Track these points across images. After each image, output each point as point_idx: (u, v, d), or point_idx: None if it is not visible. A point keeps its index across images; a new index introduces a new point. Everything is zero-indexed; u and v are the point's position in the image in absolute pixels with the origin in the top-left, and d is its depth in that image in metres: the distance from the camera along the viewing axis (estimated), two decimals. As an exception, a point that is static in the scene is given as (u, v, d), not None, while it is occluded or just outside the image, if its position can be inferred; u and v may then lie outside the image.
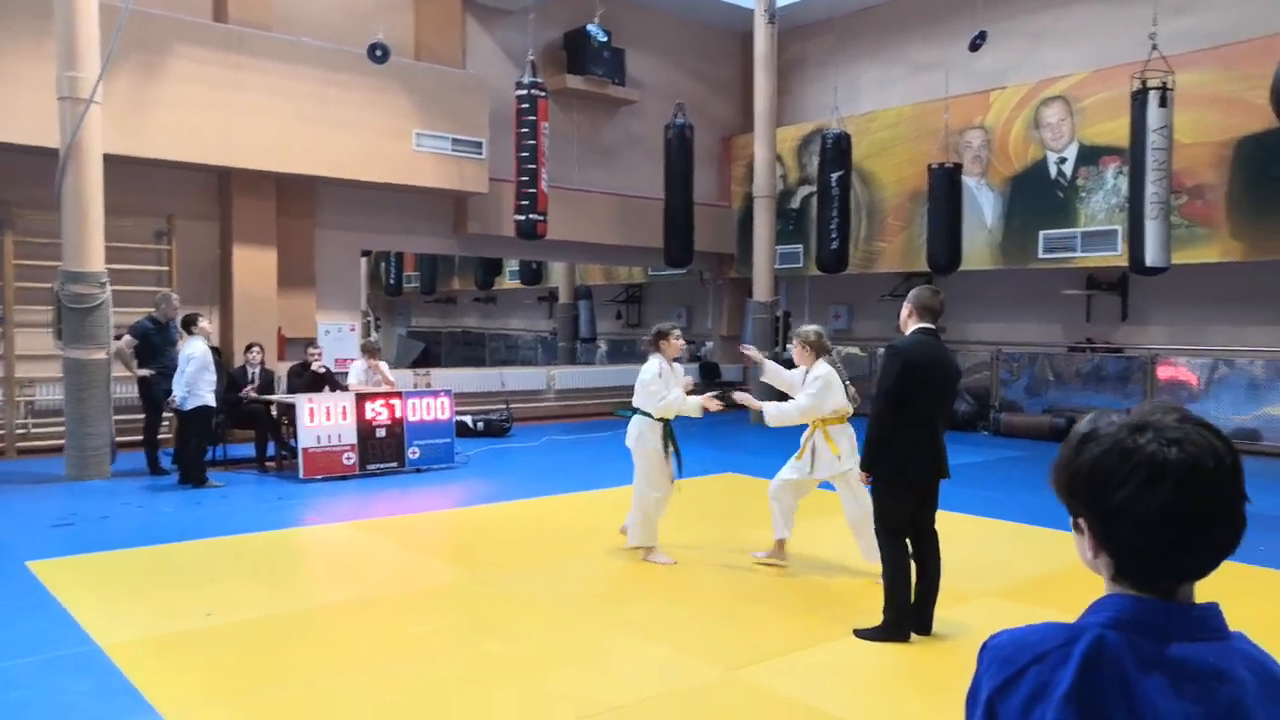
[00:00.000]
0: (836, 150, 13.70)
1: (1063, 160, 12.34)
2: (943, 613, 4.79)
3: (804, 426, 5.87)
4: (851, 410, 5.88)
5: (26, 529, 6.85)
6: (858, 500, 5.57)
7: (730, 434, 12.93)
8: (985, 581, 5.70)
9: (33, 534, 6.71)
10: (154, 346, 9.15)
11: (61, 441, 9.03)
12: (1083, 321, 13.16)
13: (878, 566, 4.79)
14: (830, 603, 5.31)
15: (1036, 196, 12.56)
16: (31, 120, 9.29)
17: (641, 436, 6.07)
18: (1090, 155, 12.04)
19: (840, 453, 5.68)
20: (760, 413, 6.02)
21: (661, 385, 6.00)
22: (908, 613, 4.61)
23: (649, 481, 6.05)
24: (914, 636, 4.63)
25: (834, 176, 13.69)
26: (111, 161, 9.20)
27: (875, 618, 4.77)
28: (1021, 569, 6.11)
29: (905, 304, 4.80)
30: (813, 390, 5.66)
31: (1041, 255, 12.49)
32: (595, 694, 4.00)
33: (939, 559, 4.72)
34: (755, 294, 14.38)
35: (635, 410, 6.14)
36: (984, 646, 1.19)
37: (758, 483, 9.20)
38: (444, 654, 4.47)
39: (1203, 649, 1.08)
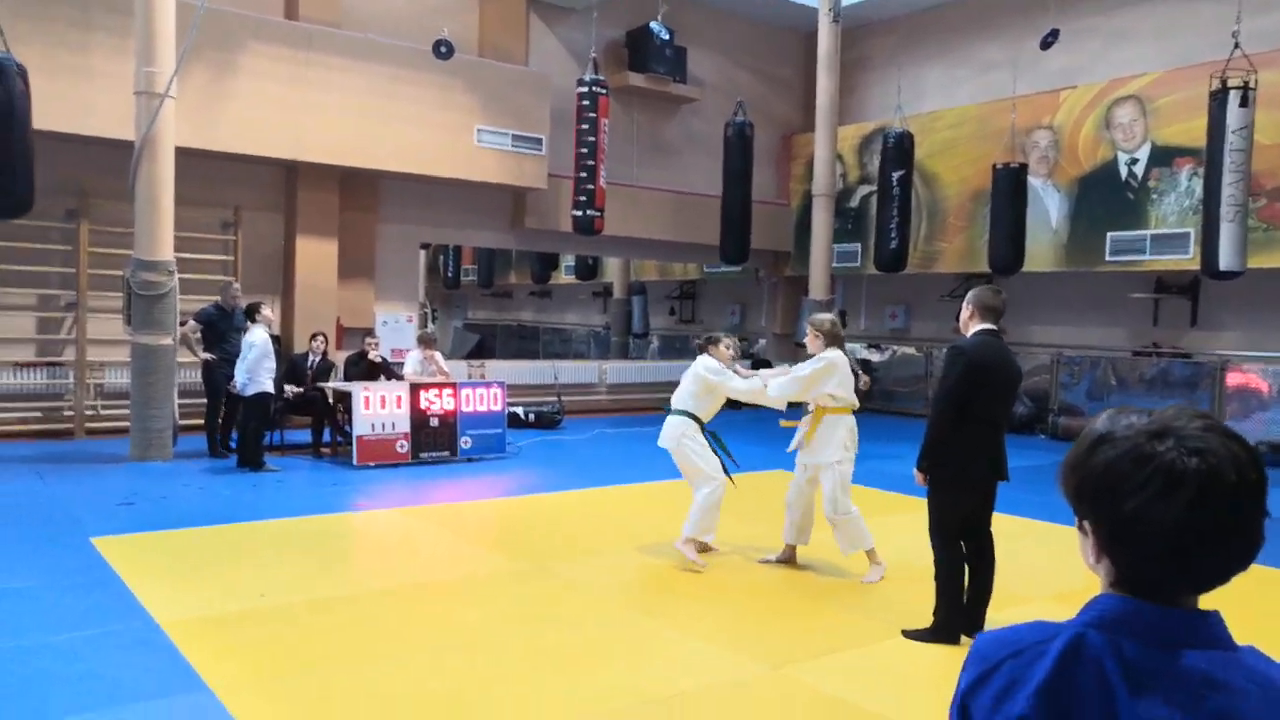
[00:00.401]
0: (899, 149, 13.50)
1: (1134, 161, 11.99)
2: (995, 615, 4.68)
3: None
4: (857, 404, 5.83)
5: (92, 506, 7.07)
6: (829, 495, 5.63)
7: (780, 430, 12.81)
8: (1039, 585, 5.58)
9: (98, 511, 6.93)
10: (218, 332, 9.40)
11: (127, 423, 9.31)
12: (1149, 325, 12.78)
13: (910, 563, 4.69)
14: (880, 603, 5.23)
15: (1105, 198, 12.22)
16: (109, 114, 9.59)
17: (684, 438, 5.94)
18: (1163, 156, 11.68)
19: (830, 444, 5.64)
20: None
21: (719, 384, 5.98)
22: (959, 614, 4.53)
23: (709, 471, 5.90)
24: (964, 639, 4.54)
25: (895, 175, 13.49)
26: (183, 154, 9.45)
27: (925, 619, 4.69)
28: (1076, 574, 5.92)
29: (966, 304, 4.70)
30: (815, 365, 5.63)
31: (1109, 258, 12.16)
32: (642, 685, 3.99)
33: (993, 561, 4.62)
34: (811, 292, 14.25)
35: (673, 410, 6.05)
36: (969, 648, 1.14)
37: (809, 483, 9.11)
38: (494, 642, 4.50)
39: (1196, 656, 1.01)
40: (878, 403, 15.82)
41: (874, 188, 14.46)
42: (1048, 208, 12.82)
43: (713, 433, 6.12)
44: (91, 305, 10.41)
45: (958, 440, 4.46)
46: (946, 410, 4.45)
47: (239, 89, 10.51)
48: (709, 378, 5.96)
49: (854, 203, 15.39)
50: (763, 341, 17.72)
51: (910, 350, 15.49)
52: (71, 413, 10.43)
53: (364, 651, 4.35)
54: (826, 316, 5.94)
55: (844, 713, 3.80)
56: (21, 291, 10.25)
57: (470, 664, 4.21)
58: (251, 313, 8.90)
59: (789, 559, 6.00)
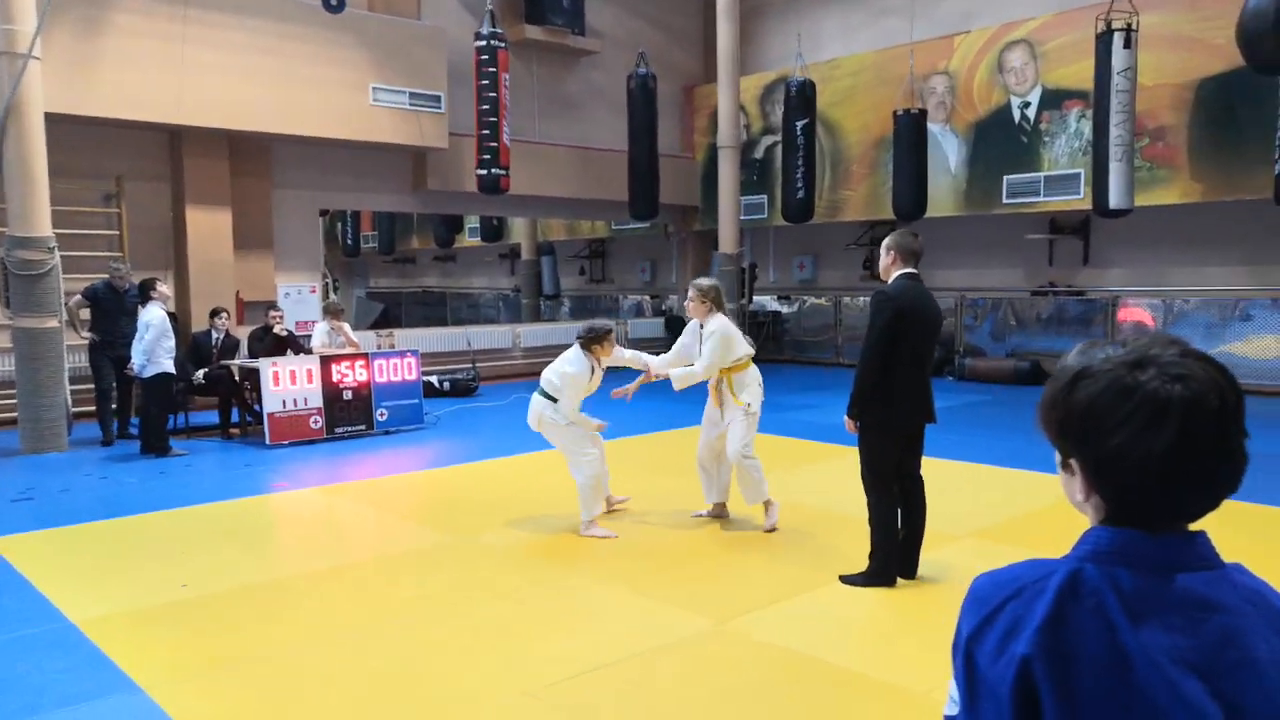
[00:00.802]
0: (801, 98, 13.57)
1: (1026, 105, 12.34)
2: (926, 555, 4.82)
3: None
4: (753, 353, 5.85)
5: (-14, 504, 6.65)
6: (739, 440, 5.61)
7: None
8: (965, 524, 5.76)
9: (-7, 509, 6.51)
10: (106, 312, 8.89)
11: (14, 414, 8.76)
12: (1045, 265, 13.28)
13: (848, 512, 4.78)
14: (814, 551, 5.32)
15: (1000, 142, 12.57)
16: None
17: (544, 418, 5.73)
18: (1053, 99, 12.04)
19: (744, 398, 5.64)
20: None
21: (579, 390, 5.69)
22: (895, 558, 4.63)
23: (580, 445, 5.68)
24: (900, 581, 4.66)
25: (798, 125, 13.58)
26: (55, 121, 8.83)
27: (860, 564, 4.79)
28: (998, 510, 6.18)
29: (886, 250, 4.72)
30: (711, 347, 5.56)
31: (1005, 200, 12.54)
32: (586, 652, 3.97)
33: (924, 504, 4.74)
34: (721, 246, 14.30)
35: (541, 392, 5.77)
36: (967, 592, 1.14)
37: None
38: (432, 617, 4.41)
39: (1189, 579, 1.02)
40: (789, 353, 16.09)
41: (778, 138, 14.54)
42: (946, 153, 13.11)
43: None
44: (-36, 289, 9.69)
45: (886, 385, 4.53)
46: (875, 357, 4.51)
47: (112, 48, 9.83)
48: (569, 378, 5.66)
49: (759, 154, 15.45)
50: (674, 298, 17.76)
51: (819, 300, 15.73)
52: (-51, 405, 9.74)
53: (297, 637, 4.21)
54: (709, 281, 5.80)
55: (793, 661, 3.86)
56: (-118, 277, 9.46)
57: (410, 640, 4.12)
58: (146, 290, 8.42)
59: (721, 515, 6.05)
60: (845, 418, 4.67)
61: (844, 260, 15.51)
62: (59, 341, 8.57)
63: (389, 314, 21.11)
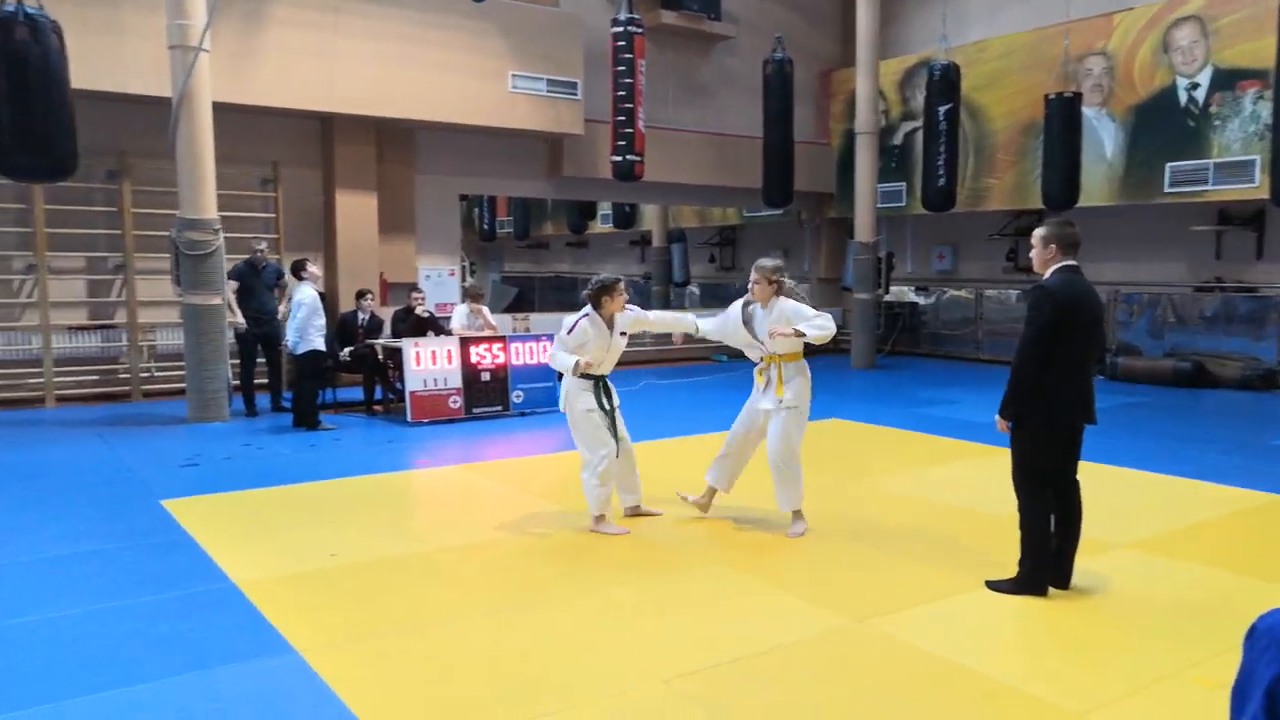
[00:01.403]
0: (944, 82, 13.06)
1: (1194, 86, 11.51)
2: (1081, 564, 4.56)
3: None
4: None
5: (157, 468, 7.12)
6: (787, 440, 5.37)
7: (834, 379, 12.69)
8: (1122, 532, 5.43)
9: (163, 473, 6.97)
10: (247, 288, 9.42)
11: (182, 385, 9.36)
12: (1211, 259, 12.39)
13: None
14: (959, 552, 5.12)
15: (1163, 126, 11.78)
16: (143, 70, 9.48)
17: (568, 397, 5.52)
18: (1226, 80, 11.19)
19: (787, 392, 5.38)
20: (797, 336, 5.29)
21: (572, 342, 5.43)
22: (1047, 565, 4.40)
23: (589, 443, 5.49)
24: (1052, 591, 4.43)
25: (941, 110, 13.08)
26: (220, 109, 9.33)
27: (1007, 569, 4.58)
28: (1161, 520, 5.80)
29: (1041, 241, 4.46)
30: (824, 318, 5.23)
31: (1168, 189, 11.75)
32: (723, 641, 3.93)
33: (1080, 510, 4.48)
34: (857, 234, 13.96)
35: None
36: (1252, 630, 1.02)
37: (865, 428, 9.00)
38: (567, 599, 4.46)
39: None
40: (925, 347, 15.60)
41: (918, 124, 14.06)
42: (1102, 138, 12.39)
43: (607, 391, 5.60)
44: (139, 267, 10.43)
45: (1044, 384, 4.29)
46: (1033, 354, 4.27)
47: (270, 40, 10.34)
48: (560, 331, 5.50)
49: (898, 140, 14.99)
50: (806, 286, 17.48)
51: (959, 292, 15.18)
52: (128, 375, 10.50)
53: (439, 609, 4.33)
54: (772, 261, 5.45)
55: (938, 667, 3.71)
56: (70, 255, 10.28)
57: (547, 619, 4.18)
58: (298, 270, 8.85)
59: (707, 504, 5.81)
60: (996, 417, 4.45)
61: (986, 251, 14.89)
62: (221, 317, 9.11)
63: (523, 297, 21.59)
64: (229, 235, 9.81)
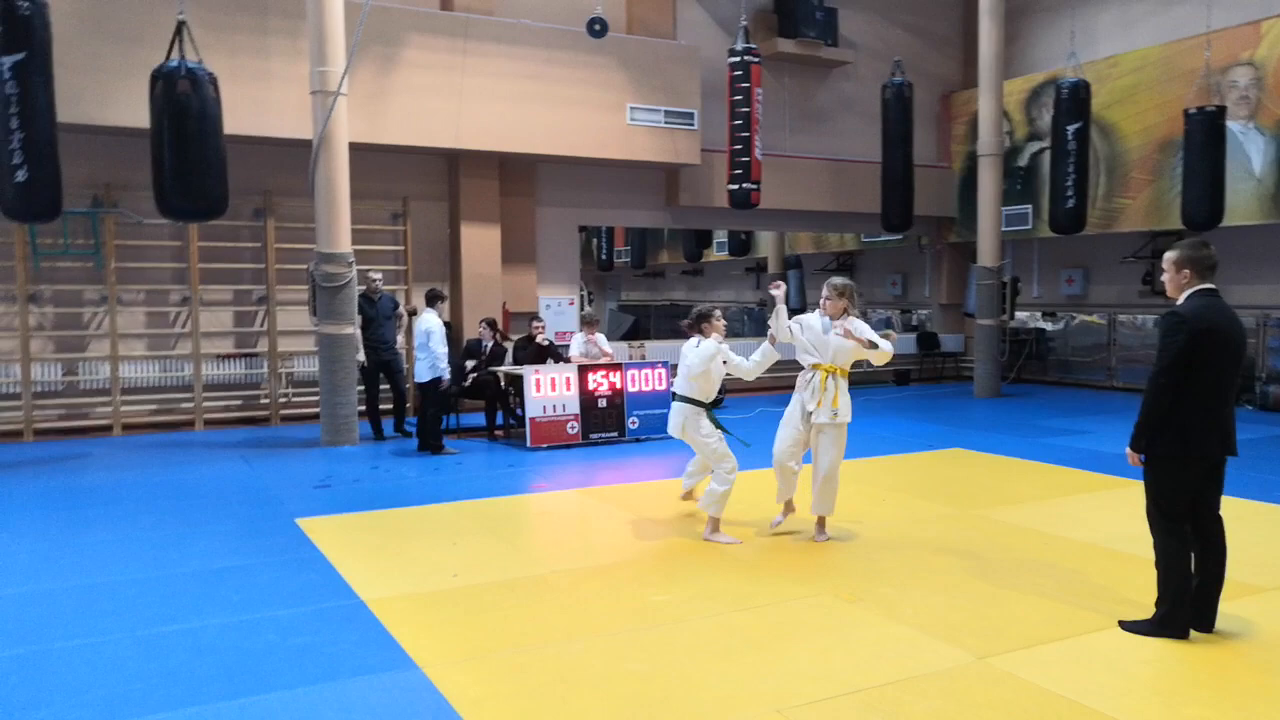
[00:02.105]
0: (1073, 100, 12.62)
1: (1352, 96, 10.77)
2: (1225, 607, 4.30)
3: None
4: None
5: (293, 489, 7.52)
6: (840, 453, 5.85)
7: (956, 408, 12.33)
8: (1273, 574, 5.08)
9: (298, 493, 7.35)
10: (366, 319, 9.83)
11: (316, 410, 9.86)
12: (1374, 281, 11.51)
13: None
14: (1088, 589, 4.89)
15: (1318, 140, 11.05)
16: (287, 114, 10.13)
17: (689, 424, 5.94)
18: (1389, 89, 10.44)
19: (842, 403, 5.81)
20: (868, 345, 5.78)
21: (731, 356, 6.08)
22: (1186, 606, 4.16)
23: (720, 456, 5.93)
24: (1193, 634, 4.18)
25: (1070, 129, 12.63)
26: (354, 149, 9.86)
27: (1141, 609, 4.36)
28: (1315, 562, 5.40)
29: (1174, 264, 4.26)
30: (885, 342, 5.74)
31: (1323, 206, 11.00)
32: (839, 673, 3.87)
33: (1224, 548, 4.22)
34: (980, 258, 13.57)
35: (681, 398, 6.01)
36: None
37: (988, 458, 8.71)
38: (684, 624, 4.48)
39: None
40: (1054, 374, 14.99)
41: (1045, 144, 13.62)
42: (1249, 154, 11.71)
43: (710, 413, 6.06)
44: (279, 298, 11.07)
45: (1180, 414, 4.08)
46: (1167, 384, 4.07)
47: (402, 82, 10.88)
48: (708, 359, 5.91)
49: (1023, 161, 14.54)
50: (926, 313, 17.07)
51: (1089, 317, 14.54)
52: (267, 400, 11.14)
53: (558, 631, 4.41)
54: (844, 279, 6.01)
55: (1067, 710, 3.55)
56: (219, 288, 11.00)
57: (663, 644, 4.20)
58: (433, 300, 9.21)
59: (788, 513, 6.22)
60: (1127, 449, 4.25)
61: (1119, 274, 14.23)
62: (352, 345, 9.56)
63: (639, 326, 21.81)
64: (363, 268, 10.32)
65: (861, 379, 15.18)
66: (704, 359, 5.90)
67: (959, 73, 15.98)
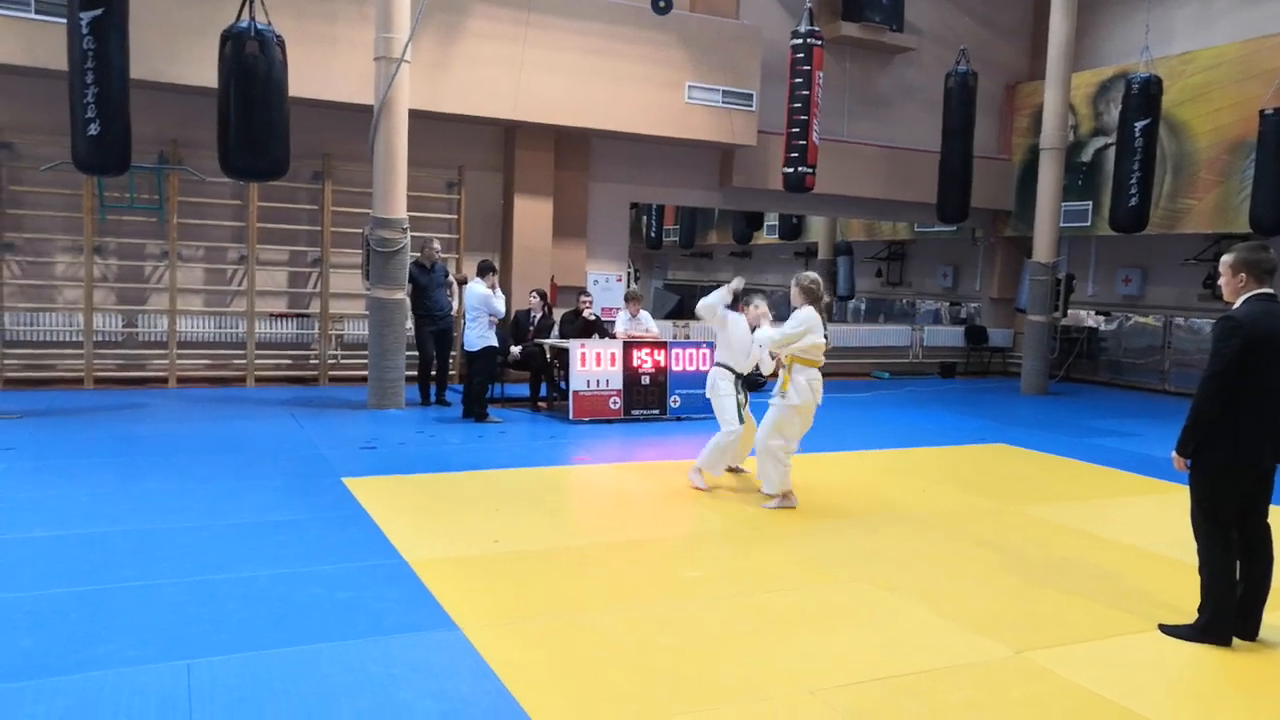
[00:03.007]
0: (1143, 96, 12.31)
1: None
2: (1271, 616, 4.24)
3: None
4: (822, 361, 6.35)
5: (340, 449, 7.68)
6: (761, 428, 6.39)
7: (1001, 404, 12.19)
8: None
9: (345, 453, 7.51)
10: (420, 287, 9.92)
11: (364, 372, 10.04)
12: None
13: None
14: (1125, 593, 4.85)
15: (1399, 146, 10.68)
16: (350, 79, 10.24)
17: (714, 383, 6.95)
18: None
19: (790, 389, 6.25)
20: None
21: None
22: (1230, 613, 4.11)
23: (728, 417, 6.82)
24: (1236, 642, 4.13)
25: (1138, 126, 12.33)
26: (413, 116, 9.95)
27: (1182, 615, 4.32)
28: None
29: (1230, 268, 4.18)
30: (794, 324, 6.15)
31: (1400, 215, 10.64)
32: (871, 658, 3.89)
33: (1271, 556, 4.16)
34: (1035, 254, 13.35)
35: (718, 363, 7.01)
36: None
37: (1032, 455, 8.63)
38: (717, 602, 4.52)
39: None
40: (1105, 375, 14.74)
41: (1111, 140, 13.32)
42: (1323, 159, 11.33)
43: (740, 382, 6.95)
44: (333, 261, 11.25)
45: (1230, 421, 4.02)
46: (1217, 389, 4.00)
47: (464, 51, 10.93)
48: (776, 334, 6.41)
49: (1086, 156, 14.25)
50: (976, 306, 16.85)
51: (1145, 319, 14.25)
52: (316, 361, 11.36)
53: (594, 602, 4.48)
54: (810, 274, 6.45)
55: (1103, 709, 3.54)
56: (276, 248, 11.21)
57: (697, 622, 4.25)
58: (484, 271, 9.29)
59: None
60: (1173, 454, 4.20)
61: (1180, 276, 13.92)
62: (403, 311, 9.70)
63: (684, 305, 21.77)
64: (416, 234, 10.44)
65: (905, 370, 15.05)
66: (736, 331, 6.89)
67: (1025, 64, 15.67)
